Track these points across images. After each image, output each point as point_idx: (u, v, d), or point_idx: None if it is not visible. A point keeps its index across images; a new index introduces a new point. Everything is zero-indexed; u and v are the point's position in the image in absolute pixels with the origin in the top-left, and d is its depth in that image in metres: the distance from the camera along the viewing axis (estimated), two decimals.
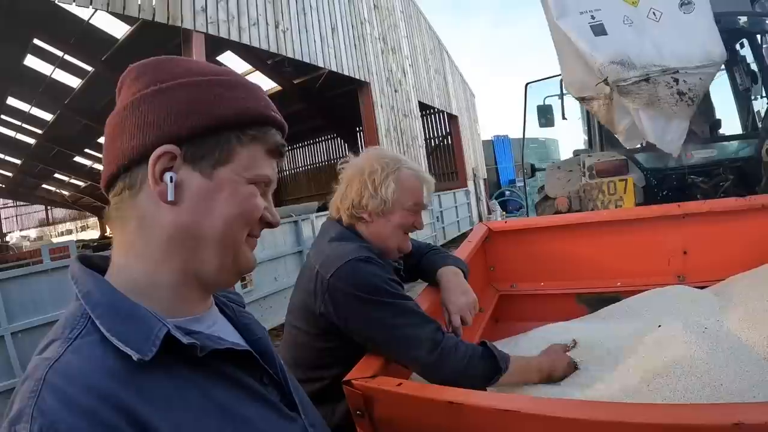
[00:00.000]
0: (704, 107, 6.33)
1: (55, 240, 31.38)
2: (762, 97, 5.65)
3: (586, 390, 1.79)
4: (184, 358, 0.82)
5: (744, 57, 5.85)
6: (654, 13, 3.95)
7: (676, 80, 3.77)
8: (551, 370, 1.91)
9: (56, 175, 28.72)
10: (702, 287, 2.45)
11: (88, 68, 14.27)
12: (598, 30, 3.95)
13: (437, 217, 15.73)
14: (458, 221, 17.77)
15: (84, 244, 16.66)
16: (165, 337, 0.79)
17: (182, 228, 0.88)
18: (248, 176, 0.92)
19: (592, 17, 3.99)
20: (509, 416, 1.26)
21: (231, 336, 0.99)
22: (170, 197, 0.85)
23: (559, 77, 6.22)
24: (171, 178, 0.86)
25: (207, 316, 0.98)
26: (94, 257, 0.95)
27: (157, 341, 0.78)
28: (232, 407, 0.86)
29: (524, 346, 2.27)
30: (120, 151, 0.87)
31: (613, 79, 3.86)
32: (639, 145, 4.78)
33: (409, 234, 2.10)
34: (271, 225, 1.00)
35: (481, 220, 19.45)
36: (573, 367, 1.97)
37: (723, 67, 6.27)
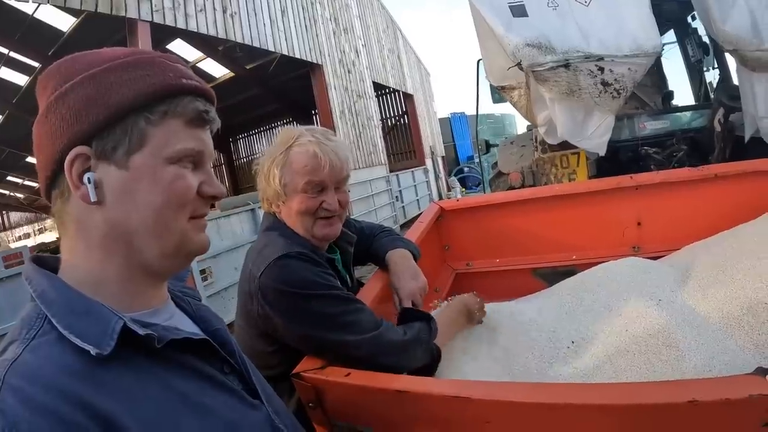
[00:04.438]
0: (657, 79, 6.42)
1: (13, 245, 30.53)
2: (714, 68, 5.71)
3: (542, 373, 1.77)
4: (144, 351, 0.84)
5: (695, 29, 5.91)
6: None
7: (601, 69, 3.64)
8: (468, 308, 2.05)
9: (9, 178, 27.84)
10: (657, 258, 2.46)
11: (35, 64, 13.59)
12: (518, 11, 3.81)
13: (396, 197, 15.86)
14: (418, 200, 17.91)
15: (42, 248, 16.12)
16: (122, 330, 0.80)
17: (114, 225, 0.87)
18: (167, 155, 0.90)
19: None
20: (460, 402, 1.23)
21: (189, 328, 1.00)
22: (92, 198, 0.85)
23: None
24: (89, 179, 0.85)
25: (163, 309, 0.99)
26: (48, 258, 0.95)
27: (115, 335, 0.79)
28: (194, 396, 0.87)
29: None
30: (44, 163, 0.89)
31: (528, 63, 3.71)
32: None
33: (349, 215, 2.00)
34: (215, 198, 0.97)
35: (441, 197, 19.59)
36: (482, 302, 2.10)
37: (675, 39, 6.34)
